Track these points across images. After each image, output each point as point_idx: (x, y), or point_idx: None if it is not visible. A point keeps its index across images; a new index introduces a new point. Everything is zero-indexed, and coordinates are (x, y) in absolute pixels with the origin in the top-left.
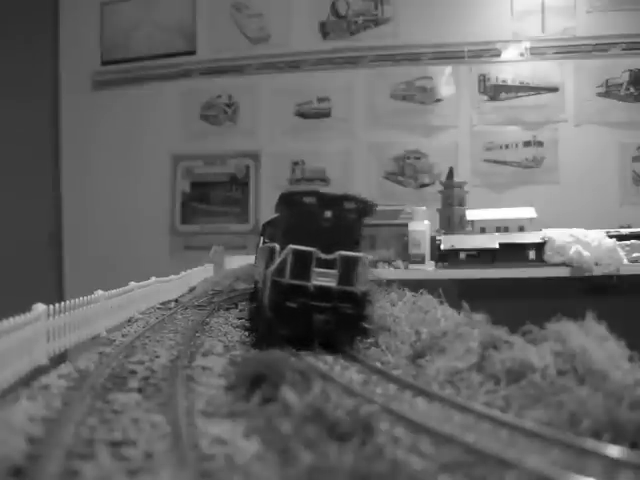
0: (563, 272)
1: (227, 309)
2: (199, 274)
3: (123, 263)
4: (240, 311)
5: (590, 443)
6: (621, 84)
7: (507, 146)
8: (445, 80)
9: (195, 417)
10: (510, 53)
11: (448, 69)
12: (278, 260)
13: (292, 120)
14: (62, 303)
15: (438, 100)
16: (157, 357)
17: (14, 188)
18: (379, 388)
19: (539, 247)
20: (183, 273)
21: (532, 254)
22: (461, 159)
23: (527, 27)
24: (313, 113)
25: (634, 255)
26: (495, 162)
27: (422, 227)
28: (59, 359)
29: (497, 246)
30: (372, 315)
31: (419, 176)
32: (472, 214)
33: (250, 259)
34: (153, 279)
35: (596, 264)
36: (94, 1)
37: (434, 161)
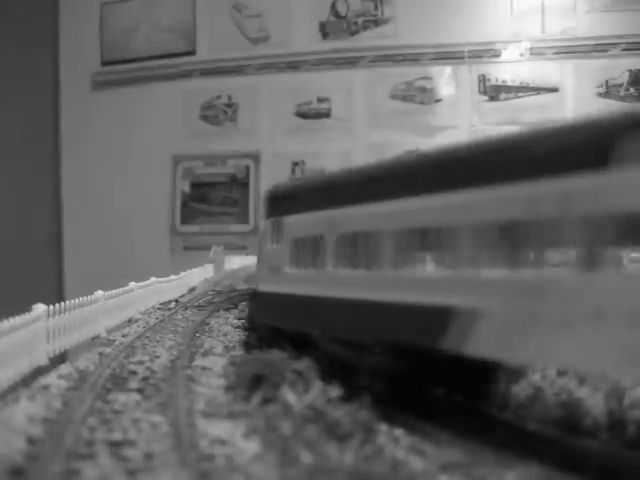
0: None
1: (227, 309)
2: (199, 274)
3: (123, 263)
4: (241, 311)
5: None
6: (621, 84)
7: None
8: (445, 80)
9: (195, 417)
10: (510, 53)
11: (448, 69)
12: None
13: (292, 120)
14: (62, 303)
15: (438, 100)
16: (157, 357)
17: (14, 188)
18: None
19: None
20: (183, 273)
21: None
22: None
23: (527, 27)
24: (313, 113)
25: None
26: None
27: None
28: (59, 359)
29: None
30: None
31: None
32: None
33: (250, 259)
34: (153, 279)
35: None
36: (94, 1)
37: None
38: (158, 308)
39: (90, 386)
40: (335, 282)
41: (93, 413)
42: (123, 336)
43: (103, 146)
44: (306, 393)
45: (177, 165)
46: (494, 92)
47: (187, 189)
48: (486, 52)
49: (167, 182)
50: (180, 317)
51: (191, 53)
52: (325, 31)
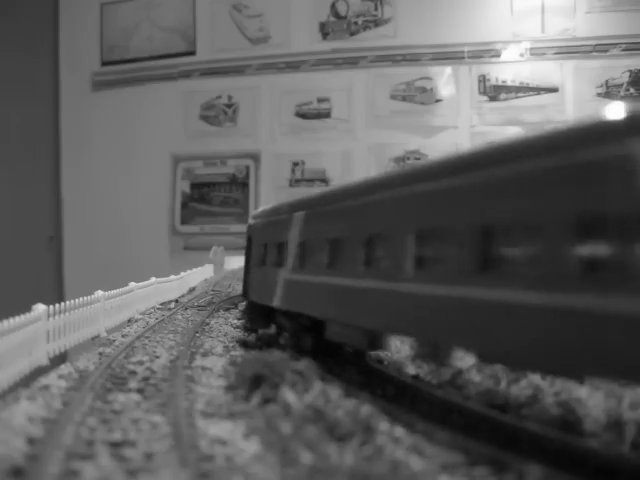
0: None
1: (227, 309)
2: (199, 274)
3: (123, 263)
4: (240, 311)
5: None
6: (621, 85)
7: None
8: (445, 81)
9: (195, 417)
10: (510, 54)
11: (448, 70)
12: None
13: (292, 120)
14: (62, 303)
15: (438, 101)
16: (157, 357)
17: (14, 189)
18: None
19: None
20: (183, 273)
21: None
22: None
23: (527, 27)
24: (313, 113)
25: None
26: None
27: None
28: (59, 359)
29: None
30: None
31: None
32: None
33: None
34: (153, 279)
35: None
36: (94, 1)
37: None
38: (158, 308)
39: (90, 386)
40: None
41: (93, 413)
42: (123, 336)
43: (103, 146)
44: (306, 393)
45: (177, 165)
46: (494, 92)
47: (187, 189)
48: (486, 52)
49: (167, 182)
50: (180, 317)
51: (191, 53)
52: (325, 31)
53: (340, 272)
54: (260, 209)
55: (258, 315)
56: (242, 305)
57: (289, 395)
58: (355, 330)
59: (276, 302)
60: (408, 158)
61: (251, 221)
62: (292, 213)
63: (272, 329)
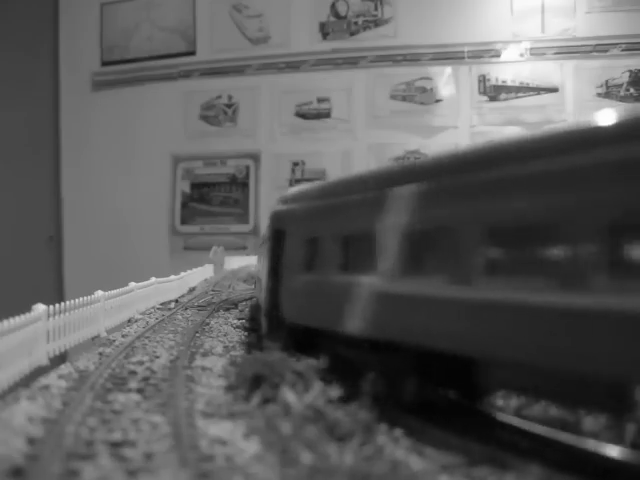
0: None
1: (227, 309)
2: (199, 274)
3: (123, 263)
4: (240, 311)
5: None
6: (621, 85)
7: None
8: (445, 81)
9: (195, 417)
10: (510, 54)
11: (448, 70)
12: None
13: (292, 120)
14: (62, 303)
15: (438, 101)
16: (157, 357)
17: (14, 188)
18: None
19: None
20: (183, 273)
21: None
22: None
23: (527, 28)
24: (313, 113)
25: None
26: None
27: None
28: (59, 359)
29: None
30: None
31: None
32: None
33: (251, 260)
34: (153, 279)
35: None
36: (94, 1)
37: None
38: (158, 308)
39: (90, 386)
40: None
41: (93, 413)
42: (123, 336)
43: (103, 146)
44: (306, 393)
45: (177, 165)
46: (494, 92)
47: (187, 189)
48: (486, 52)
49: (167, 182)
50: (180, 317)
51: (191, 53)
52: (325, 31)
53: (536, 283)
54: (299, 188)
55: (293, 340)
56: (242, 305)
57: (289, 395)
58: (582, 382)
59: (354, 326)
60: (408, 158)
61: (281, 207)
62: (385, 188)
63: (322, 362)
